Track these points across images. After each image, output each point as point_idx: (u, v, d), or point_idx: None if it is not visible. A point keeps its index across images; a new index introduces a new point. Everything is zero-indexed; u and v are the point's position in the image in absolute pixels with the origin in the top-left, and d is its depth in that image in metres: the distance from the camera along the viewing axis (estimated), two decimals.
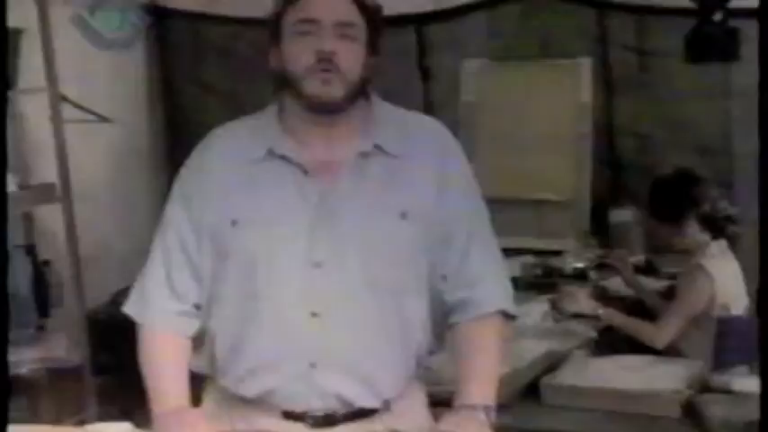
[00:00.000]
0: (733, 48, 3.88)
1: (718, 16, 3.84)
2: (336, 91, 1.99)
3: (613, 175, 4.80)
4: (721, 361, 3.35)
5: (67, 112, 4.16)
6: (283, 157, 2.03)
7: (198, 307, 2.09)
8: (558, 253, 4.47)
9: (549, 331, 3.58)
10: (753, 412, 2.70)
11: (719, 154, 4.40)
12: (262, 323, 2.01)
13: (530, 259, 4.43)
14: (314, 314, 1.99)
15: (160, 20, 5.20)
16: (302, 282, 1.99)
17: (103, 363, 4.10)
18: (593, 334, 3.60)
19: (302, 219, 2.00)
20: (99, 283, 4.29)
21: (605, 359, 3.28)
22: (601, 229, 4.65)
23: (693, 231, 3.66)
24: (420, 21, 4.88)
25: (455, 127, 4.97)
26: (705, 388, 3.03)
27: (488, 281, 2.09)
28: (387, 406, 2.06)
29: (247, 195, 2.03)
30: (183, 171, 2.13)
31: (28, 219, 4.28)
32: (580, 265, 4.37)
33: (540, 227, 4.83)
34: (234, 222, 2.02)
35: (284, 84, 2.04)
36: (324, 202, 2.01)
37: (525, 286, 4.05)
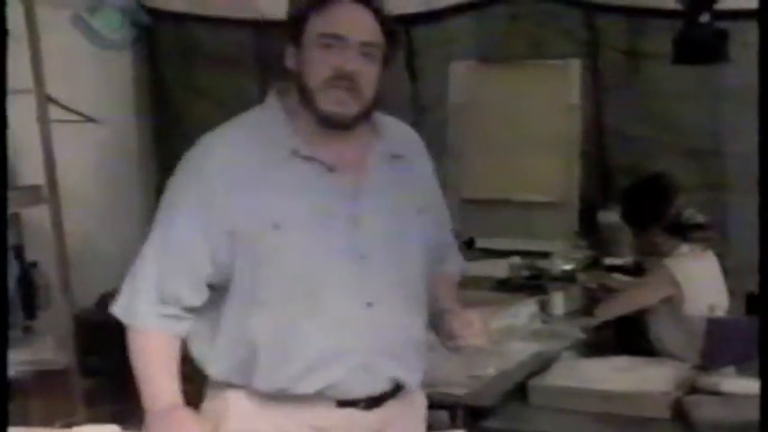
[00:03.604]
0: (721, 49, 3.89)
1: (705, 18, 3.85)
2: (351, 110, 2.04)
3: (602, 176, 4.80)
4: (709, 362, 3.36)
5: (55, 112, 4.14)
6: (308, 158, 2.04)
7: (189, 310, 2.08)
8: (546, 254, 4.47)
9: (538, 333, 3.58)
10: (741, 413, 2.72)
11: (709, 155, 4.40)
12: (317, 320, 2.03)
13: (518, 260, 4.43)
14: (369, 304, 2.05)
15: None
16: (353, 275, 2.04)
17: (91, 365, 4.08)
18: (582, 335, 3.61)
19: (339, 216, 2.04)
20: (86, 285, 4.27)
21: (594, 360, 3.29)
22: (590, 231, 4.65)
23: (659, 239, 3.73)
24: (409, 22, 4.87)
25: (443, 128, 5.03)
26: (693, 389, 3.04)
27: (455, 250, 2.41)
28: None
29: (282, 197, 2.03)
30: (191, 178, 2.07)
31: (15, 220, 4.26)
32: (568, 266, 4.37)
33: (529, 228, 4.84)
34: (276, 226, 2.01)
35: (299, 91, 2.04)
36: (355, 198, 2.06)
37: (514, 288, 4.05)
